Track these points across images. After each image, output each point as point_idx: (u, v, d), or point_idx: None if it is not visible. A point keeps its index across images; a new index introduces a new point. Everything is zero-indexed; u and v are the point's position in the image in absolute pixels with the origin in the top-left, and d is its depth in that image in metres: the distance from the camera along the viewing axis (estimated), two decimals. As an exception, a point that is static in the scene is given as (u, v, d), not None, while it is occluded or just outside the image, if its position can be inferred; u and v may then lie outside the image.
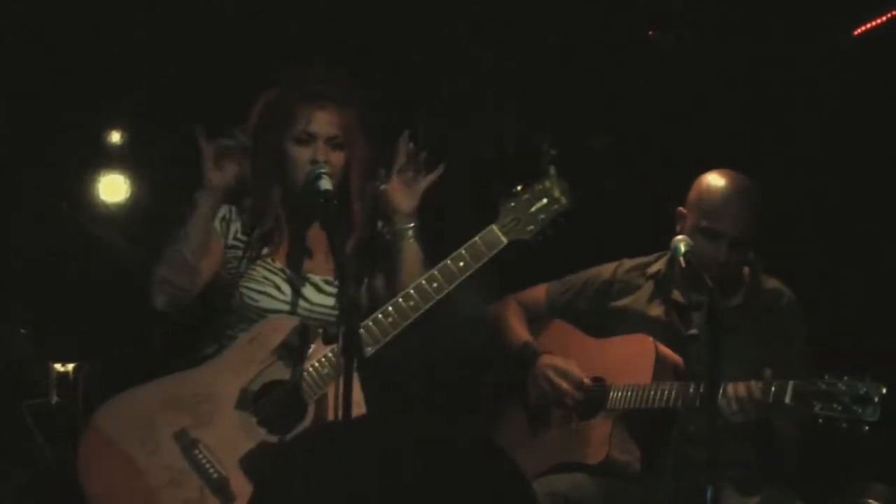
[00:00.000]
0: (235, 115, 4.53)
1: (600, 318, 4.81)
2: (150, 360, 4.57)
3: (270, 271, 4.37)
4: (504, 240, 4.25)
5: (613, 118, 6.01)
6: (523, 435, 4.73)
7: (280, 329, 4.21)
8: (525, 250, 4.31)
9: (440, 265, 4.21)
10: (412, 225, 4.37)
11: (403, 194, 4.36)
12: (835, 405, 4.08)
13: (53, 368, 4.99)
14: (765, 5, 5.77)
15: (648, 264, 4.84)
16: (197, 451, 4.12)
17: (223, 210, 4.42)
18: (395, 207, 4.36)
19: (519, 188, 4.28)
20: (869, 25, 5.64)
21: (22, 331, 5.11)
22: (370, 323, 4.16)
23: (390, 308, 4.17)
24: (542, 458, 4.62)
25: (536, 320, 4.95)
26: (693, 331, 4.55)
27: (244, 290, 4.34)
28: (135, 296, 5.12)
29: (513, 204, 4.27)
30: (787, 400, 4.17)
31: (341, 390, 3.73)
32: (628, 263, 4.89)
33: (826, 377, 4.12)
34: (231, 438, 4.12)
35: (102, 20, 5.58)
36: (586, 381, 4.65)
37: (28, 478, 5.04)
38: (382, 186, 4.36)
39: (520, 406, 4.82)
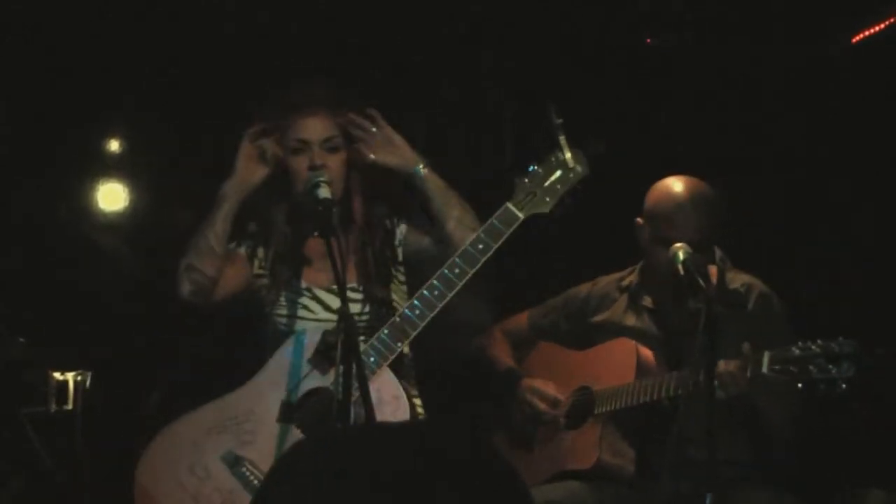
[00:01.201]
0: (236, 120, 4.54)
1: (582, 335, 4.87)
2: (151, 369, 4.58)
3: (295, 292, 4.41)
4: (520, 215, 4.22)
5: (612, 119, 6.00)
6: (512, 455, 4.73)
7: (311, 340, 4.25)
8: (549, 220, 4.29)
9: (460, 251, 4.20)
10: (420, 166, 4.34)
11: (385, 152, 4.36)
12: (810, 367, 4.11)
13: (52, 377, 4.99)
14: (764, 6, 5.76)
15: (622, 278, 4.91)
16: (244, 469, 4.17)
17: (248, 240, 4.47)
18: (395, 166, 4.36)
19: (534, 167, 4.26)
20: (867, 32, 5.63)
21: (20, 339, 5.10)
22: (397, 318, 4.20)
23: (415, 301, 4.19)
24: (535, 472, 4.63)
25: (523, 345, 5.01)
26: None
27: (277, 319, 4.40)
28: (135, 304, 5.17)
29: (526, 180, 4.25)
30: (764, 369, 4.21)
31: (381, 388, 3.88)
32: (603, 280, 4.96)
33: (799, 343, 4.17)
34: (277, 451, 4.16)
35: (102, 28, 5.57)
36: (562, 397, 4.70)
37: (25, 486, 5.04)
38: (371, 157, 4.35)
39: (505, 430, 4.86)
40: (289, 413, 4.18)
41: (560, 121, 4.22)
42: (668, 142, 5.83)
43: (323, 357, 4.21)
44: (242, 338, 4.64)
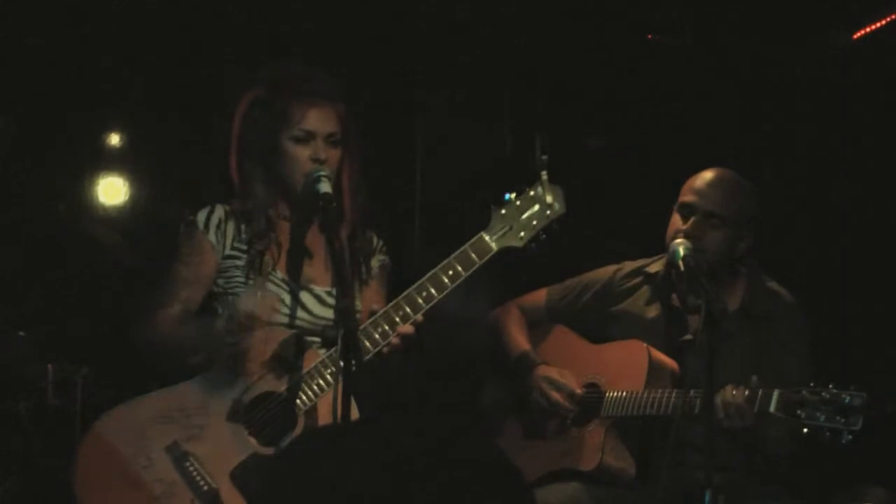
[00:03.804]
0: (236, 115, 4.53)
1: (600, 322, 4.78)
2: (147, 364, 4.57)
3: (273, 283, 4.31)
4: (494, 247, 4.13)
5: (611, 117, 6.00)
6: (519, 443, 4.69)
7: (271, 341, 4.15)
8: (522, 254, 4.25)
9: (430, 275, 4.13)
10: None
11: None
12: (818, 414, 4.05)
13: (51, 370, 4.98)
14: (765, 6, 5.76)
15: (648, 265, 4.81)
16: (188, 464, 4.07)
17: (217, 216, 4.36)
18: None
19: (510, 196, 4.17)
20: (869, 29, 5.64)
21: (20, 332, 5.10)
22: (360, 335, 4.06)
23: (380, 319, 4.11)
24: (537, 465, 4.59)
25: (538, 325, 4.92)
26: (688, 336, 4.57)
27: None
28: (133, 298, 5.13)
29: (503, 211, 4.14)
30: (772, 409, 4.14)
31: (339, 396, 3.72)
32: (629, 266, 4.85)
33: (811, 385, 4.09)
34: (222, 450, 4.07)
35: (102, 23, 5.57)
36: (579, 391, 4.62)
37: (24, 480, 5.03)
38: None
39: (516, 415, 4.80)
40: (238, 413, 4.12)
41: (545, 157, 4.12)
42: (669, 140, 5.84)
43: (280, 360, 4.17)
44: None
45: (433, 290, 4.12)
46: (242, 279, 4.31)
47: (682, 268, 4.30)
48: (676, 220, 4.57)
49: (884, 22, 5.59)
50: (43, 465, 5.06)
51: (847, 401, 4.03)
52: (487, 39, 5.94)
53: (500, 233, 4.15)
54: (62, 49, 5.61)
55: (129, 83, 5.66)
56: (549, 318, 4.92)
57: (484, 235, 4.15)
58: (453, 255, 4.15)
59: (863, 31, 5.67)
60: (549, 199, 4.15)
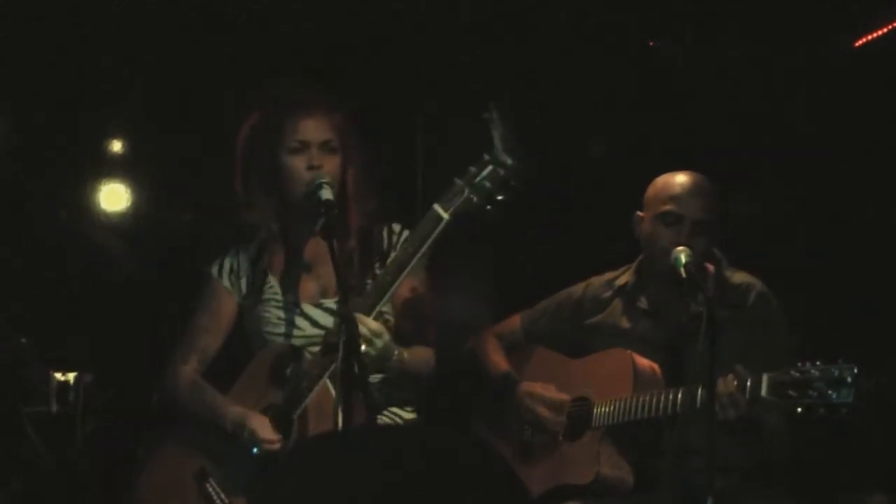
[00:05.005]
0: (236, 122, 4.55)
1: (577, 338, 4.82)
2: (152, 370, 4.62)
3: (283, 309, 4.42)
4: (445, 215, 4.10)
5: (612, 120, 6.00)
6: (512, 463, 4.69)
7: (272, 356, 4.28)
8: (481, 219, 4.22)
9: (391, 258, 4.20)
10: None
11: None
12: (810, 391, 4.05)
13: (53, 377, 5.01)
14: (765, 8, 5.75)
15: (616, 278, 4.87)
16: (207, 485, 4.22)
17: (228, 263, 4.50)
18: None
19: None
20: (871, 36, 5.63)
21: (22, 339, 5.11)
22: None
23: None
24: (533, 484, 4.58)
25: (517, 350, 4.96)
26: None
27: (267, 336, 4.41)
28: (136, 305, 5.15)
29: (458, 180, 4.14)
30: (764, 393, 4.15)
31: (341, 404, 3.78)
32: (597, 281, 4.91)
33: (799, 365, 4.10)
34: (236, 468, 4.20)
35: (103, 29, 5.57)
36: (566, 397, 4.64)
37: (25, 486, 5.05)
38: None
39: (504, 437, 4.81)
40: (241, 430, 4.22)
41: (489, 115, 4.10)
42: (668, 142, 5.83)
43: (275, 373, 4.21)
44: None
45: (396, 270, 4.14)
46: (252, 306, 4.43)
47: (683, 275, 4.32)
48: (661, 230, 4.59)
49: (885, 30, 5.58)
50: (44, 470, 5.08)
51: (837, 374, 4.03)
52: (487, 40, 5.94)
53: (454, 200, 4.11)
54: (62, 49, 5.61)
55: (130, 84, 5.66)
56: (527, 339, 4.97)
57: (435, 206, 4.13)
58: (409, 233, 4.21)
59: (864, 39, 5.66)
60: (500, 156, 4.10)
